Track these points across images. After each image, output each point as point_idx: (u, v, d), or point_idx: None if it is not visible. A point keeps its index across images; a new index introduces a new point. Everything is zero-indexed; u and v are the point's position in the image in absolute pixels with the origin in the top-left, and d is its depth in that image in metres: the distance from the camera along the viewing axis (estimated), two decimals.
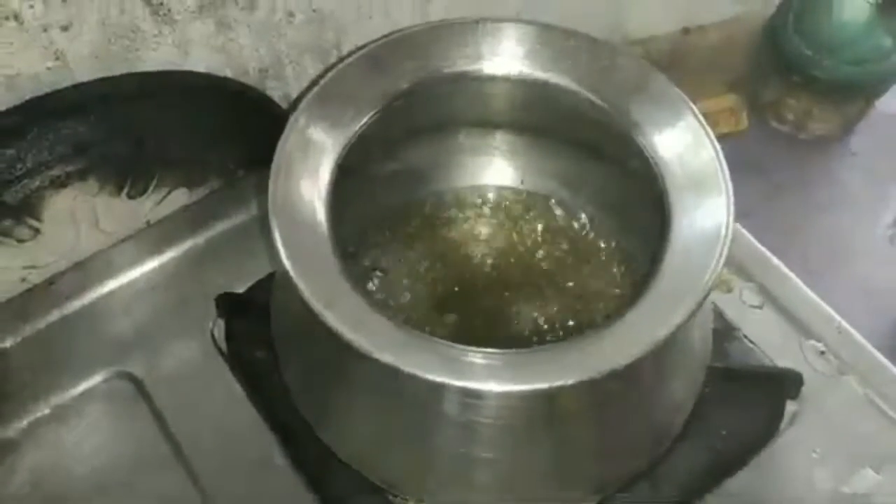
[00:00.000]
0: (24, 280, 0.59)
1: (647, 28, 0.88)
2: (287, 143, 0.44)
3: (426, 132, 0.55)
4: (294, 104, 0.63)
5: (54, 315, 0.58)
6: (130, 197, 0.60)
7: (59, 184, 0.56)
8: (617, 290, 0.55)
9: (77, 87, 0.55)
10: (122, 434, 0.54)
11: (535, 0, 0.67)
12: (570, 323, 0.54)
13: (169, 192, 0.62)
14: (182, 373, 0.55)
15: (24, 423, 0.54)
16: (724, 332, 0.57)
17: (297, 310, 0.41)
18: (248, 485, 0.52)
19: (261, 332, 0.53)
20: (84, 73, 0.55)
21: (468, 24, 0.49)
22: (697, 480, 0.51)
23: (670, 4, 0.89)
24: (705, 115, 0.46)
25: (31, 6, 0.51)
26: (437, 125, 0.55)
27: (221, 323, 0.57)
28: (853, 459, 0.52)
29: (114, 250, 0.61)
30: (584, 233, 0.58)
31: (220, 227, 0.62)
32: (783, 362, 0.56)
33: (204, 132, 0.62)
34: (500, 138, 0.57)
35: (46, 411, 0.54)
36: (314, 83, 0.47)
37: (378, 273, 0.56)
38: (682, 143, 0.45)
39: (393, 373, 0.37)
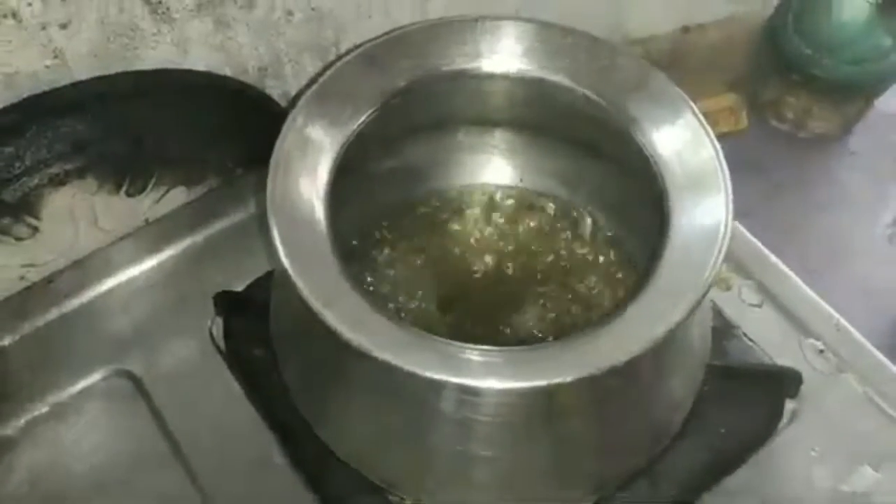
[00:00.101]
0: (22, 278, 0.59)
1: (646, 27, 0.88)
2: (285, 142, 0.44)
3: (425, 130, 0.54)
4: (293, 102, 0.63)
5: (53, 313, 0.58)
6: (129, 195, 0.60)
7: (58, 182, 0.56)
8: (616, 288, 0.55)
9: (76, 86, 0.55)
10: (120, 432, 0.54)
11: None
12: (569, 321, 0.54)
13: (168, 191, 0.62)
14: (181, 371, 0.55)
15: (23, 421, 0.54)
16: (724, 330, 0.57)
17: (296, 308, 0.41)
18: (246, 483, 0.52)
19: (259, 331, 0.53)
20: (83, 71, 0.55)
21: (467, 21, 0.49)
22: (696, 478, 0.51)
23: (670, 4, 0.89)
24: (705, 114, 0.46)
25: (30, 4, 0.51)
26: (436, 123, 0.55)
27: (220, 321, 0.57)
28: (852, 457, 0.52)
29: (112, 248, 0.61)
30: (582, 231, 0.58)
31: (219, 225, 0.62)
32: (782, 361, 0.56)
33: (203, 130, 0.62)
34: (498, 137, 0.57)
35: (45, 409, 0.54)
36: (313, 81, 0.46)
37: (377, 271, 0.56)
38: (681, 141, 0.45)
39: (391, 371, 0.37)
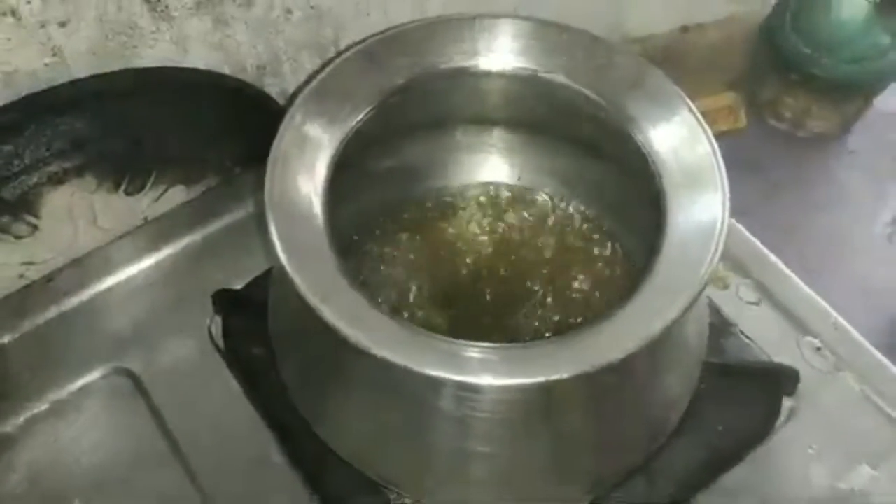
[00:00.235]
0: (21, 276, 0.59)
1: (646, 26, 0.88)
2: (283, 139, 0.44)
3: (423, 128, 0.55)
4: (291, 100, 0.63)
5: (52, 311, 0.58)
6: (128, 194, 0.60)
7: (57, 180, 0.56)
8: (613, 286, 0.55)
9: (74, 84, 0.55)
10: (119, 430, 0.54)
11: None
12: (567, 318, 0.54)
13: (166, 189, 0.62)
14: (179, 369, 0.56)
15: (22, 419, 0.54)
16: (721, 328, 0.57)
17: (295, 306, 0.41)
18: (245, 482, 0.52)
19: (258, 329, 0.53)
20: (81, 69, 0.55)
21: (465, 20, 0.49)
22: (693, 476, 0.51)
23: (669, 3, 0.89)
24: (703, 114, 0.46)
25: (29, 2, 0.51)
26: (434, 121, 0.55)
27: (219, 320, 0.57)
28: (849, 456, 0.52)
29: (111, 247, 0.61)
30: (580, 229, 0.58)
31: (218, 223, 0.62)
32: (780, 358, 0.56)
33: (202, 129, 0.62)
34: (496, 135, 0.57)
35: (44, 407, 0.54)
36: (311, 79, 0.47)
37: (375, 269, 0.56)
38: (678, 138, 0.45)
39: (390, 368, 0.37)
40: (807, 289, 0.59)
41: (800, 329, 0.57)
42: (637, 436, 0.49)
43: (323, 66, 0.48)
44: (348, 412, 0.49)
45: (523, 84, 0.49)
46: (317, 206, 0.42)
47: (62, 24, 0.53)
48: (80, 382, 0.55)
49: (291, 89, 0.67)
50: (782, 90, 1.10)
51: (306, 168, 0.43)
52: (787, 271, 0.60)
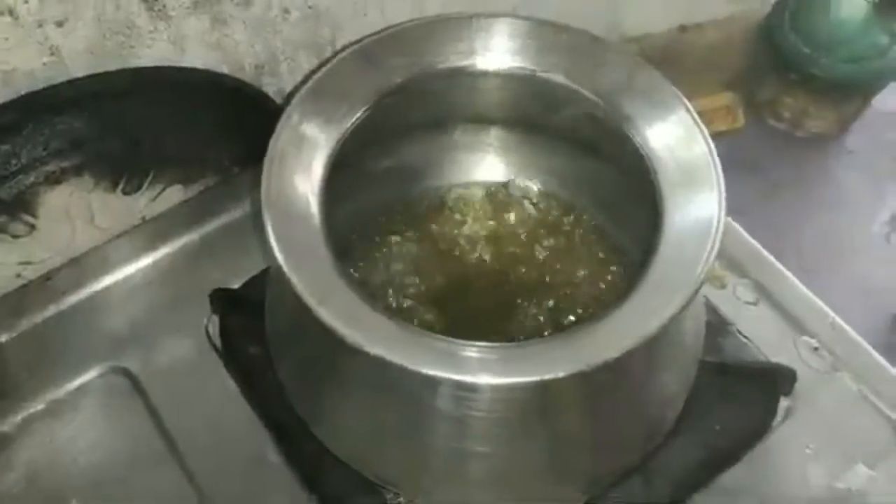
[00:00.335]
0: (19, 276, 0.59)
1: (643, 26, 0.88)
2: (280, 139, 0.44)
3: (420, 128, 0.55)
4: (288, 100, 0.63)
5: (50, 310, 0.58)
6: (126, 193, 0.60)
7: (55, 180, 0.56)
8: (610, 285, 0.55)
9: (72, 83, 0.55)
10: (116, 430, 0.54)
11: None
12: (563, 317, 0.54)
13: (164, 189, 0.62)
14: (177, 368, 0.56)
15: (20, 418, 0.54)
16: (719, 327, 0.57)
17: (291, 305, 0.41)
18: (242, 481, 0.52)
19: (255, 329, 0.53)
20: (79, 68, 0.55)
21: (462, 19, 0.49)
22: (691, 476, 0.51)
23: (667, 2, 0.89)
24: (701, 113, 0.46)
25: (27, 1, 0.51)
26: (431, 121, 0.55)
27: (216, 319, 0.57)
28: (847, 455, 0.52)
29: (109, 246, 0.61)
30: (577, 228, 0.58)
31: (216, 223, 0.62)
32: (777, 358, 0.56)
33: (199, 128, 0.62)
34: (493, 134, 0.57)
35: (42, 406, 0.54)
36: (308, 78, 0.47)
37: (371, 268, 0.56)
38: (674, 137, 0.45)
39: (386, 367, 0.37)
40: (804, 288, 0.59)
41: (797, 329, 0.57)
42: (634, 435, 0.49)
43: (320, 66, 0.48)
44: (345, 412, 0.49)
45: (521, 83, 0.49)
46: (314, 206, 0.42)
47: (60, 24, 0.53)
48: (77, 381, 0.55)
49: (289, 89, 0.67)
50: (781, 90, 1.10)
51: (303, 168, 0.43)
52: (785, 271, 0.60)
